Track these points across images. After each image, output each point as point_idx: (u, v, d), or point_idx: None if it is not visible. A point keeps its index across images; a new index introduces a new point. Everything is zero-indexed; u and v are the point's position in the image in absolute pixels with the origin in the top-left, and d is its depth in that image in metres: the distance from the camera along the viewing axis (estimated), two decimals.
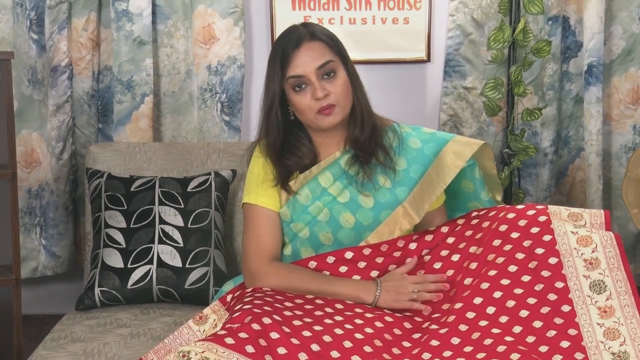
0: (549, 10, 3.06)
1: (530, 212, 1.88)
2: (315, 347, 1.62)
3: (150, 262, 2.23)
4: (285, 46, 1.94)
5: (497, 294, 1.75)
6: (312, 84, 1.92)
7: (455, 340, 1.66)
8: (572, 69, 3.16)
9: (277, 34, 3.03)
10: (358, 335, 1.69)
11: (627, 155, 3.16)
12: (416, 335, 1.74)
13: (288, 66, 1.93)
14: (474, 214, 1.99)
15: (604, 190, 3.16)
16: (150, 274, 2.22)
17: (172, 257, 2.23)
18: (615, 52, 3.14)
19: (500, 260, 1.81)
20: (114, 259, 2.23)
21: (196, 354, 1.54)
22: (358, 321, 1.75)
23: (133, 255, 2.23)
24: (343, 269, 1.93)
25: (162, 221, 2.26)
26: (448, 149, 2.02)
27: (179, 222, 2.27)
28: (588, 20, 3.00)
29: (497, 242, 1.85)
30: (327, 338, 1.65)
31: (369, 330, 1.72)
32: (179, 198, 2.30)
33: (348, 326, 1.72)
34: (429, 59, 3.15)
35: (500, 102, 3.03)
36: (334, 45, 1.97)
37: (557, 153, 3.22)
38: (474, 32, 3.11)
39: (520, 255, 1.80)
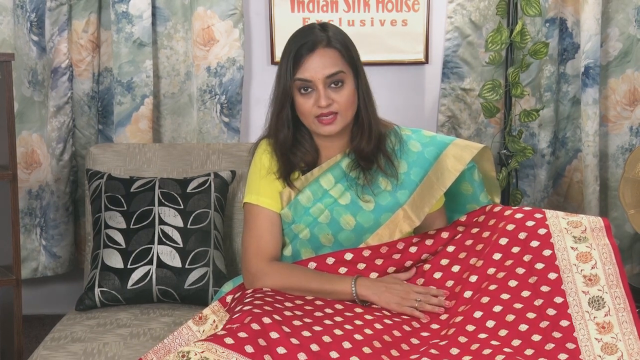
0: (546, 13, 3.08)
1: (530, 224, 1.88)
2: (314, 347, 1.63)
3: (150, 262, 2.24)
4: (299, 47, 1.94)
5: (497, 308, 1.76)
6: (317, 90, 1.93)
7: (454, 351, 1.67)
8: (569, 71, 3.18)
9: (276, 35, 3.06)
10: (357, 337, 1.70)
11: (624, 157, 3.18)
12: (415, 341, 1.75)
13: (298, 68, 1.93)
14: (474, 219, 2.00)
15: (601, 191, 3.17)
16: (150, 274, 2.23)
17: (171, 258, 2.24)
18: (612, 53, 3.15)
19: (500, 275, 1.82)
20: (114, 260, 2.24)
21: (195, 354, 1.55)
22: (357, 322, 1.76)
23: (133, 255, 2.24)
24: (342, 270, 1.94)
25: (161, 222, 2.28)
26: (448, 153, 2.03)
27: (179, 222, 2.28)
28: (585, 22, 3.02)
29: (497, 256, 1.86)
30: (326, 338, 1.66)
31: (368, 331, 1.73)
32: (179, 199, 2.31)
33: (347, 327, 1.72)
34: (427, 61, 3.17)
35: (498, 104, 3.04)
36: (348, 55, 1.97)
37: (555, 154, 3.23)
38: (471, 34, 3.12)
39: (520, 270, 1.81)
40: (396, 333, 1.76)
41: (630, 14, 3.11)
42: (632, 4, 3.10)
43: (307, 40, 1.94)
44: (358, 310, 1.83)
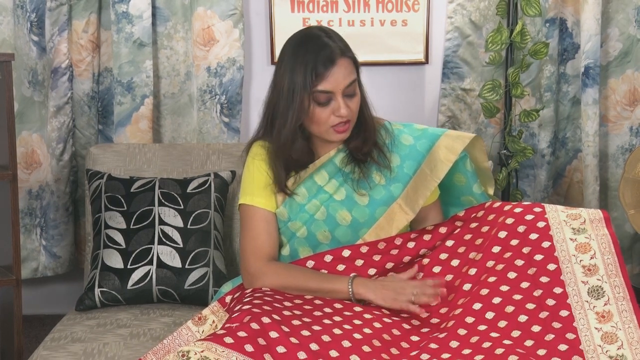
0: (546, 13, 3.08)
1: (529, 217, 1.89)
2: (314, 346, 1.63)
3: (150, 262, 2.24)
4: (317, 59, 1.91)
5: (497, 300, 1.76)
6: (336, 100, 1.93)
7: (454, 344, 1.67)
8: (569, 71, 3.18)
9: (276, 35, 3.06)
10: (357, 335, 1.70)
11: (624, 157, 3.18)
12: (415, 338, 1.75)
13: (320, 81, 1.91)
14: (472, 215, 2.00)
15: (601, 191, 3.17)
16: (150, 274, 2.23)
17: (171, 258, 2.24)
18: (612, 54, 3.15)
19: (500, 267, 1.82)
20: (114, 260, 2.24)
21: (195, 354, 1.55)
22: (357, 322, 1.76)
23: (133, 255, 2.24)
24: (341, 267, 1.95)
25: (161, 222, 2.28)
26: (440, 144, 2.04)
27: (179, 223, 2.28)
28: (585, 23, 3.02)
29: (496, 249, 1.87)
30: (326, 338, 1.66)
31: (367, 330, 1.73)
32: (179, 199, 2.31)
33: (347, 326, 1.73)
34: (427, 61, 3.17)
35: (498, 104, 3.04)
36: (356, 62, 1.99)
37: (555, 154, 3.24)
38: (472, 34, 3.12)
39: (519, 262, 1.81)
40: (395, 332, 1.76)
41: (630, 14, 3.11)
42: (632, 4, 3.10)
43: (324, 51, 1.92)
44: (357, 309, 1.83)
